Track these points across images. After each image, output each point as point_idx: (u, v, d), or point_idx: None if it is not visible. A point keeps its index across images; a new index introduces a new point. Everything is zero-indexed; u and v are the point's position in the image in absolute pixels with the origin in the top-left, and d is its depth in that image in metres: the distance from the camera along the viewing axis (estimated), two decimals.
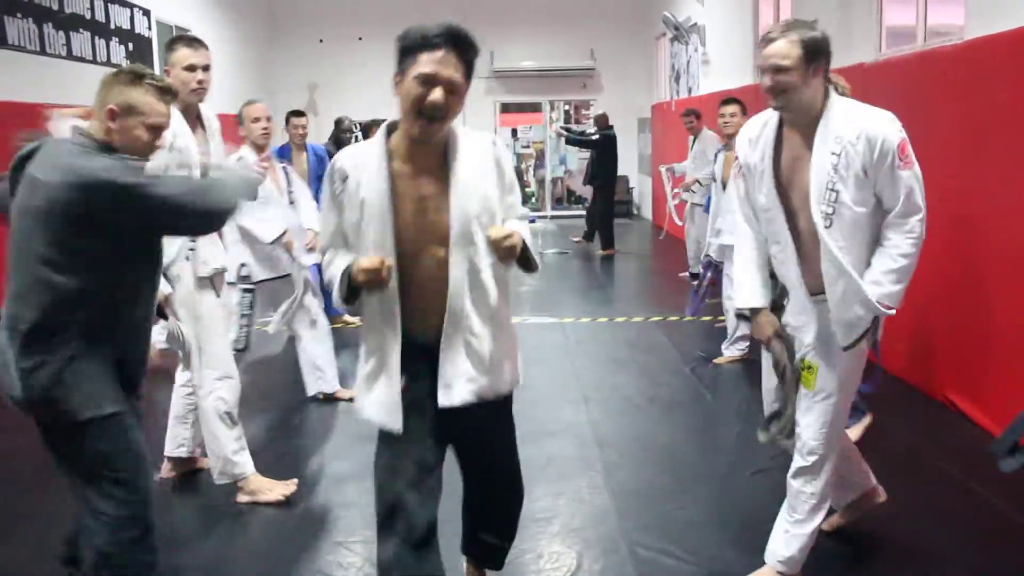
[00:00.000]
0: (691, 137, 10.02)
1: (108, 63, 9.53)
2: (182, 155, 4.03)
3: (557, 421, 5.51)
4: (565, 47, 17.23)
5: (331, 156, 8.90)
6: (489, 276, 2.73)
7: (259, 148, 5.25)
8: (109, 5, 10.06)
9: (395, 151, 2.68)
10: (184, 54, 4.15)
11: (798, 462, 3.38)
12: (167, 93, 2.91)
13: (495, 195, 2.74)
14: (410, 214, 2.66)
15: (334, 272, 2.75)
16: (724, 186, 6.33)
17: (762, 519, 3.71)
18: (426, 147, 2.66)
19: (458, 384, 2.73)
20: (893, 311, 3.14)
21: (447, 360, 2.72)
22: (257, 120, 5.28)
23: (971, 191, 5.22)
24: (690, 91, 13.32)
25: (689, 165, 9.81)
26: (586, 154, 14.17)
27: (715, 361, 6.71)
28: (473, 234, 2.66)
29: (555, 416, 5.61)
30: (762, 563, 3.49)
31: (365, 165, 2.68)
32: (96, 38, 9.50)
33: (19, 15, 8.12)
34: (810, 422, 3.31)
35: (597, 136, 13.04)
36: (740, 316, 3.35)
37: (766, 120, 3.29)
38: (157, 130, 2.88)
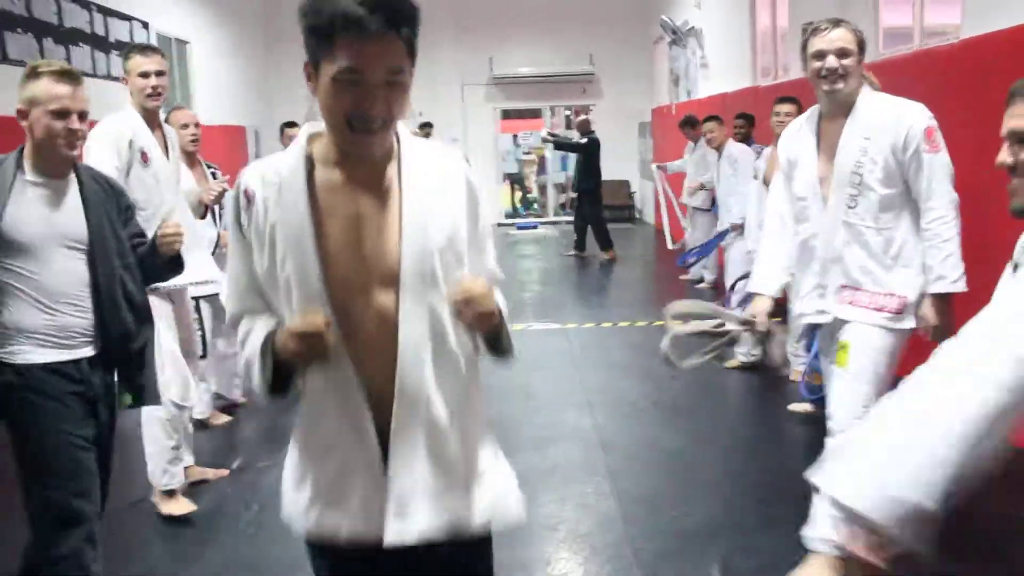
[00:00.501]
0: (690, 142, 10.08)
1: (108, 76, 9.55)
2: (154, 168, 4.20)
3: (561, 426, 5.50)
4: (564, 52, 17.24)
5: None
6: (457, 337, 1.91)
7: (188, 155, 5.25)
8: (108, 19, 10.08)
9: (319, 156, 1.87)
10: (137, 61, 4.26)
11: (833, 441, 3.35)
12: (64, 75, 2.93)
13: (464, 229, 1.91)
14: (340, 237, 1.84)
15: (251, 351, 1.92)
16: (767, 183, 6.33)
17: (770, 522, 3.72)
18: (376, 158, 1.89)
19: (416, 506, 1.87)
20: (964, 287, 3.21)
21: (399, 466, 1.86)
22: (186, 126, 5.31)
23: (970, 190, 5.21)
24: (689, 94, 13.34)
25: (690, 170, 9.83)
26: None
27: (724, 366, 6.65)
28: (434, 273, 1.84)
29: (559, 421, 5.60)
30: (771, 567, 3.48)
31: (276, 178, 1.86)
32: (96, 52, 9.52)
33: (19, 30, 8.15)
34: (845, 400, 3.32)
35: (586, 140, 13.01)
36: (749, 296, 3.52)
37: (807, 116, 3.45)
38: (63, 114, 2.89)
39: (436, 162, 1.92)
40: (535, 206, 19.37)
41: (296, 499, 1.99)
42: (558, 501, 4.37)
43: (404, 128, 1.92)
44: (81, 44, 9.32)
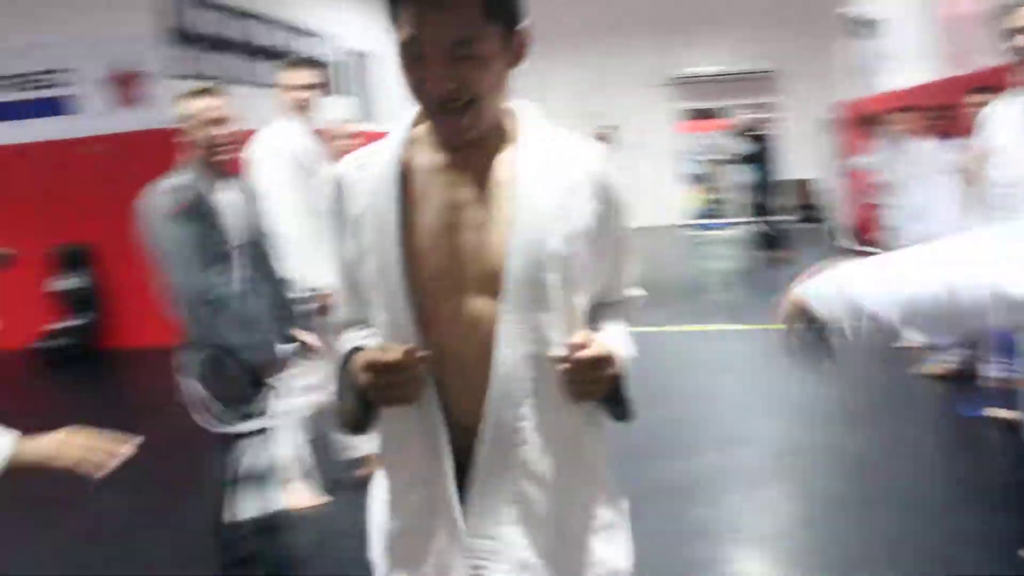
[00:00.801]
0: (874, 139, 9.76)
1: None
2: (317, 175, 4.44)
3: (745, 429, 5.44)
4: (744, 50, 16.92)
5: None
6: None
7: None
8: (299, 37, 10.76)
9: (423, 137, 1.59)
10: (290, 75, 4.60)
11: None
12: (210, 91, 3.32)
13: (591, 240, 1.55)
14: (432, 228, 1.53)
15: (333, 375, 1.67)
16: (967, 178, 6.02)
17: (959, 533, 3.59)
18: (486, 141, 1.57)
19: (499, 570, 1.54)
20: None
21: (479, 523, 1.54)
22: (348, 137, 5.52)
23: None
24: (873, 89, 12.89)
25: (880, 166, 9.53)
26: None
27: (921, 372, 6.28)
28: (546, 285, 1.50)
29: (743, 424, 5.55)
30: None
31: (372, 161, 1.60)
32: None
33: (229, 51, 8.88)
34: None
35: (754, 139, 12.65)
36: None
37: (1010, 100, 3.31)
38: (215, 122, 3.26)
39: (566, 156, 1.57)
40: (720, 207, 19.07)
41: (375, 545, 1.72)
42: (741, 503, 4.34)
43: (532, 110, 1.65)
44: (271, 60, 9.93)
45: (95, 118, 8.99)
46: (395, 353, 1.45)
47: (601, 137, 12.13)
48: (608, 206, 1.57)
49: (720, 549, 3.89)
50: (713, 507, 4.28)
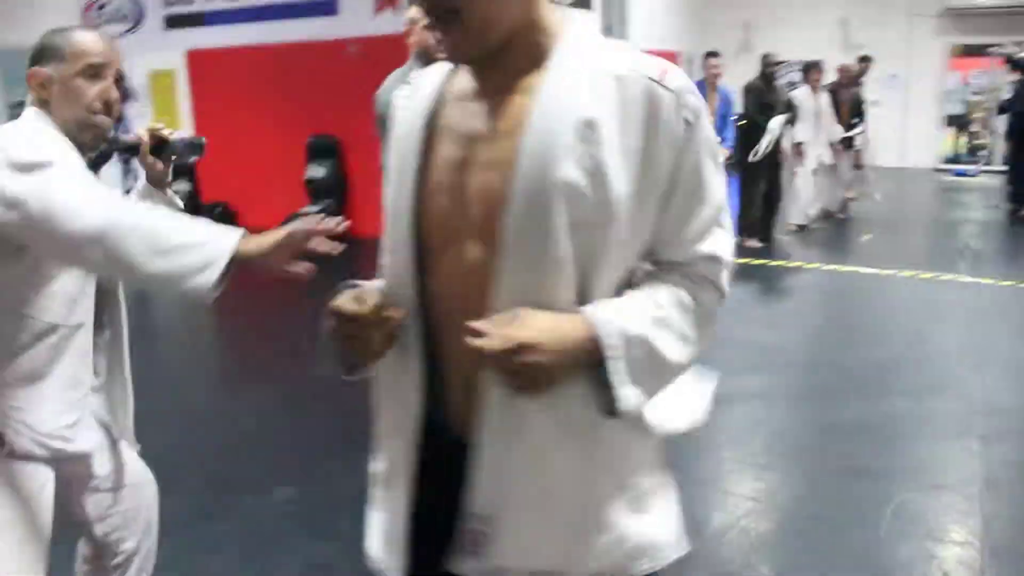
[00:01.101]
0: None
1: None
2: None
3: (944, 380, 5.29)
4: None
5: (753, 95, 8.84)
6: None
7: None
8: None
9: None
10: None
11: None
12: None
13: (631, 176, 1.27)
14: (444, 167, 1.36)
15: None
16: None
17: None
18: (507, 62, 1.33)
19: (506, 540, 1.36)
20: None
21: (486, 491, 1.36)
22: None
23: None
24: None
25: None
26: None
27: None
28: (549, 233, 1.25)
29: (944, 374, 5.39)
30: None
31: (418, 92, 1.46)
32: None
33: None
34: None
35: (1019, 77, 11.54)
36: None
37: None
38: (429, 26, 3.56)
39: (606, 76, 1.29)
40: (979, 153, 17.84)
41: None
42: (918, 450, 4.30)
43: (580, 22, 1.38)
44: None
45: (355, 21, 9.68)
46: (361, 307, 1.36)
47: (853, 69, 11.52)
48: (663, 135, 1.28)
49: (891, 491, 3.86)
50: (893, 451, 4.27)
